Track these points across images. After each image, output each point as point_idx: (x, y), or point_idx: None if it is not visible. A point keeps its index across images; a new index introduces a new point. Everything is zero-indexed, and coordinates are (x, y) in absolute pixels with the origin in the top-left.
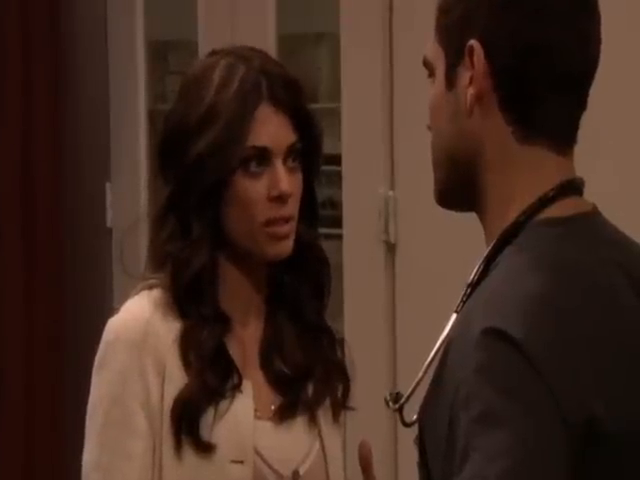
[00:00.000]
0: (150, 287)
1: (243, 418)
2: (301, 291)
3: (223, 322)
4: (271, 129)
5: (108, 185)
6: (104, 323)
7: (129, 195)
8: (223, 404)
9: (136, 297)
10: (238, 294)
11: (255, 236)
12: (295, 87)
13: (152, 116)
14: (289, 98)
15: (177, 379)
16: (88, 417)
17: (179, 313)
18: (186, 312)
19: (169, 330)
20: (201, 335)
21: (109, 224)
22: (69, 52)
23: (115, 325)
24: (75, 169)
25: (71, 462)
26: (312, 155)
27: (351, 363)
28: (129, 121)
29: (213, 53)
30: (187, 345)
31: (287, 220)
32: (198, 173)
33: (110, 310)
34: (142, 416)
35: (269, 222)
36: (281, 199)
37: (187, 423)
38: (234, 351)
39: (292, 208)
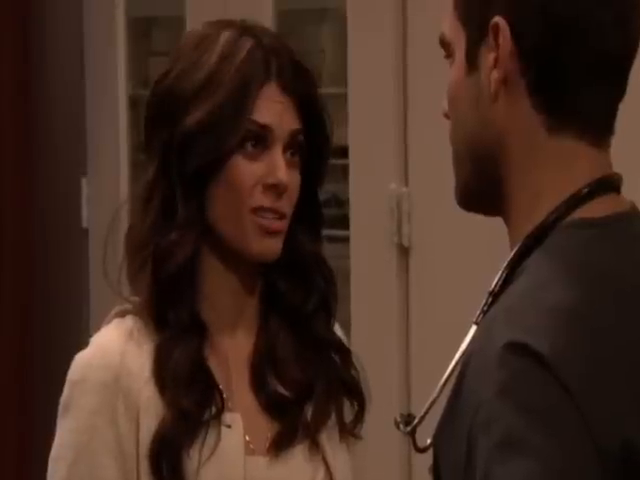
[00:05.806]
0: (123, 314)
1: (233, 456)
2: (304, 306)
3: (199, 331)
4: (276, 108)
5: (84, 180)
6: (79, 333)
7: (108, 191)
8: (210, 440)
9: (107, 328)
10: (223, 299)
11: (242, 224)
12: (307, 76)
13: (133, 102)
14: (299, 87)
15: (156, 416)
16: (50, 468)
17: (155, 327)
18: (163, 320)
19: (144, 364)
20: (175, 351)
21: (85, 224)
22: (40, 30)
23: (82, 362)
24: (47, 162)
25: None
26: (317, 157)
27: (364, 380)
28: (108, 108)
29: (211, 24)
30: (162, 367)
31: (280, 217)
32: (191, 148)
33: (86, 320)
34: (114, 469)
35: (259, 210)
36: (277, 188)
37: (168, 465)
38: (217, 369)
39: (286, 205)
